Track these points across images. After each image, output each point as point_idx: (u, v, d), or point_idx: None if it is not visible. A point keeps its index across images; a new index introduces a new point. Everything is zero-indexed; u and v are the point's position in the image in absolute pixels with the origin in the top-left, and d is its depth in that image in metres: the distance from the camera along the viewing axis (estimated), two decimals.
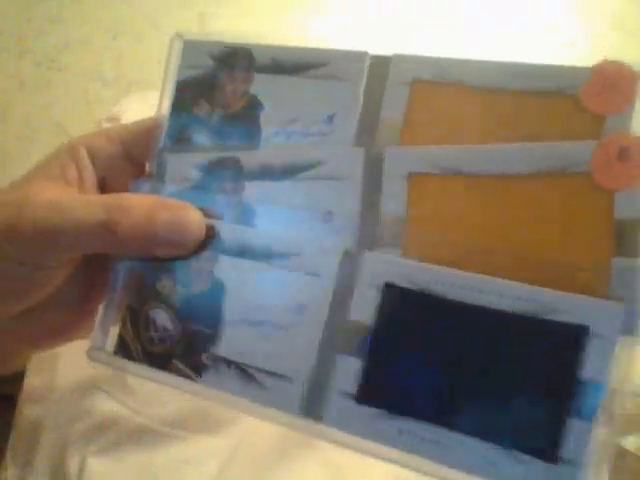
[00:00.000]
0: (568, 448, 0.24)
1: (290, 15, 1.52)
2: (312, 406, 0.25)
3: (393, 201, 0.24)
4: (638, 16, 1.42)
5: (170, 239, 0.29)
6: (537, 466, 0.23)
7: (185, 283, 0.28)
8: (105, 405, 0.65)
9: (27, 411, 0.66)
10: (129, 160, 0.35)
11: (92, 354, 0.33)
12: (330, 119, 0.23)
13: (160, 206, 0.29)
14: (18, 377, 0.69)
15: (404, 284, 0.23)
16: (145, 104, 0.93)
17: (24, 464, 0.64)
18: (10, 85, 1.47)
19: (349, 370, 0.25)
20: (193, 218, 0.29)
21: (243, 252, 0.26)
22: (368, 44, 0.26)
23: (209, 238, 0.29)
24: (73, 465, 0.62)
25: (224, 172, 0.28)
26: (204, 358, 0.28)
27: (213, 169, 0.28)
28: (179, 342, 0.28)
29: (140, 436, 0.64)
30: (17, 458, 0.65)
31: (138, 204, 0.29)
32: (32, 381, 0.67)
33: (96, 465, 0.62)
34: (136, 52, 1.42)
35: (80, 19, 1.43)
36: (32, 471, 0.63)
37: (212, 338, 0.27)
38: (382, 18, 1.41)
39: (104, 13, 1.44)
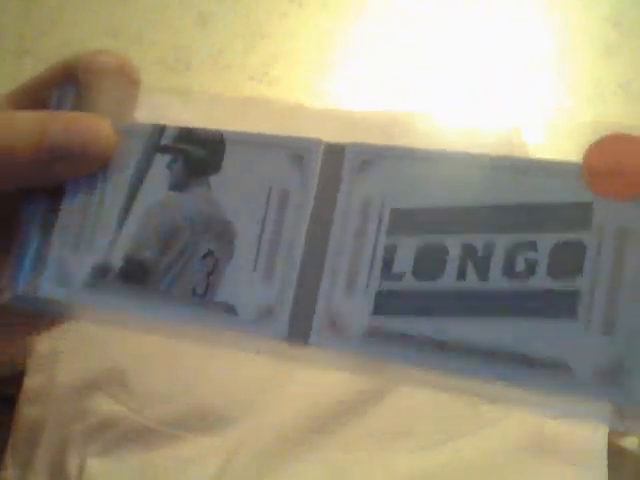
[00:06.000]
0: None
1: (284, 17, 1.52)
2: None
3: None
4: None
5: (65, 149, 0.25)
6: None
7: None
8: (105, 405, 0.65)
9: (27, 411, 0.66)
10: None
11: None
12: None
13: (51, 116, 0.26)
14: (18, 377, 0.69)
15: None
16: (145, 105, 0.93)
17: (24, 464, 0.64)
18: (10, 85, 1.47)
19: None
20: (96, 125, 0.25)
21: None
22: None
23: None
24: (73, 465, 0.62)
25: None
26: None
27: None
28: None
29: (140, 436, 0.64)
30: (17, 458, 0.65)
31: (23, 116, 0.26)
32: (32, 381, 0.67)
33: (96, 465, 0.62)
34: (136, 52, 1.42)
35: (80, 19, 1.43)
36: (32, 471, 0.63)
37: None
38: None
39: (104, 13, 1.44)
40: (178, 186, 0.24)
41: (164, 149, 0.25)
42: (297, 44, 1.58)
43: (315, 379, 0.65)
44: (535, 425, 0.65)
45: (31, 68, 1.45)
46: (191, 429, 0.65)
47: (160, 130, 0.26)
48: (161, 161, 0.25)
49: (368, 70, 1.58)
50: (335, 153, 0.23)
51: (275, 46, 1.59)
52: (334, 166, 0.22)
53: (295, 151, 0.23)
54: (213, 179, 0.23)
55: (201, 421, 0.65)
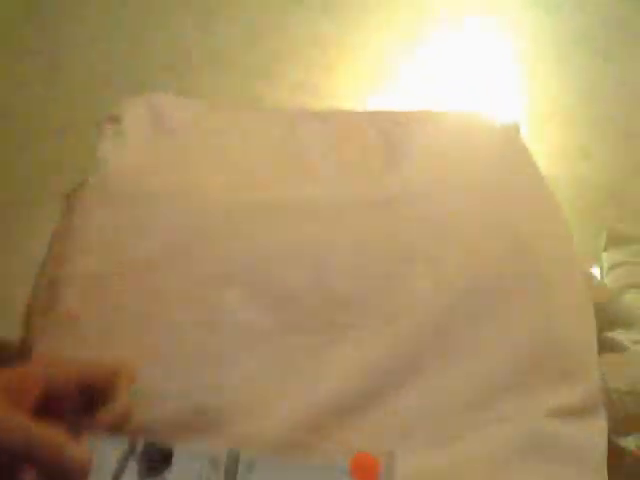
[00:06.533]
0: None
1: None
2: None
3: None
4: None
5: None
6: None
7: None
8: None
9: None
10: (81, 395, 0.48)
11: None
12: None
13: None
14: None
15: None
16: (145, 105, 0.93)
17: None
18: (10, 85, 1.47)
19: None
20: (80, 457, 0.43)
21: None
22: None
23: None
24: None
25: None
26: None
27: None
28: None
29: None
30: None
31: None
32: None
33: None
34: (137, 53, 1.42)
35: (81, 19, 1.44)
36: None
37: None
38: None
39: (104, 13, 1.44)
40: (144, 477, 0.43)
41: (136, 460, 0.44)
42: (297, 44, 1.58)
43: (315, 380, 0.66)
44: (535, 425, 0.65)
45: (32, 68, 1.45)
46: (191, 429, 0.65)
47: (132, 444, 0.45)
48: (134, 464, 0.44)
49: (368, 70, 1.58)
50: (233, 460, 0.44)
51: (275, 45, 1.59)
52: (233, 467, 0.44)
53: (210, 460, 0.44)
54: (166, 473, 0.44)
55: (200, 421, 0.65)
